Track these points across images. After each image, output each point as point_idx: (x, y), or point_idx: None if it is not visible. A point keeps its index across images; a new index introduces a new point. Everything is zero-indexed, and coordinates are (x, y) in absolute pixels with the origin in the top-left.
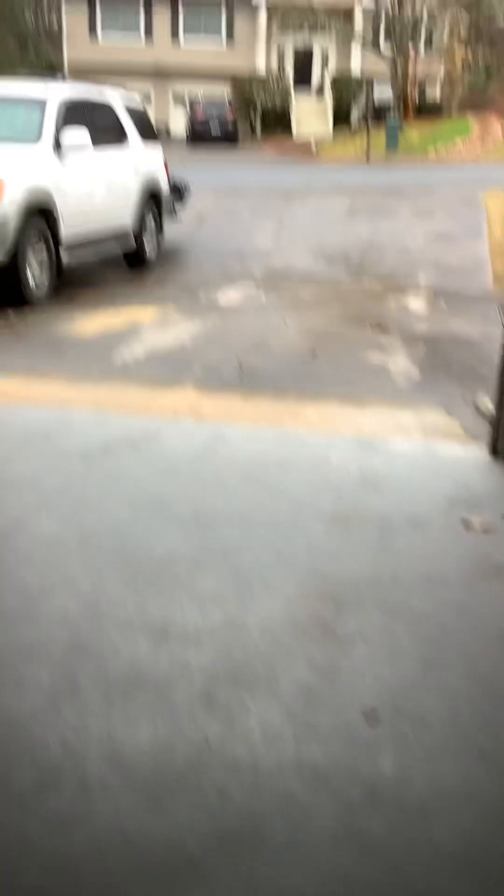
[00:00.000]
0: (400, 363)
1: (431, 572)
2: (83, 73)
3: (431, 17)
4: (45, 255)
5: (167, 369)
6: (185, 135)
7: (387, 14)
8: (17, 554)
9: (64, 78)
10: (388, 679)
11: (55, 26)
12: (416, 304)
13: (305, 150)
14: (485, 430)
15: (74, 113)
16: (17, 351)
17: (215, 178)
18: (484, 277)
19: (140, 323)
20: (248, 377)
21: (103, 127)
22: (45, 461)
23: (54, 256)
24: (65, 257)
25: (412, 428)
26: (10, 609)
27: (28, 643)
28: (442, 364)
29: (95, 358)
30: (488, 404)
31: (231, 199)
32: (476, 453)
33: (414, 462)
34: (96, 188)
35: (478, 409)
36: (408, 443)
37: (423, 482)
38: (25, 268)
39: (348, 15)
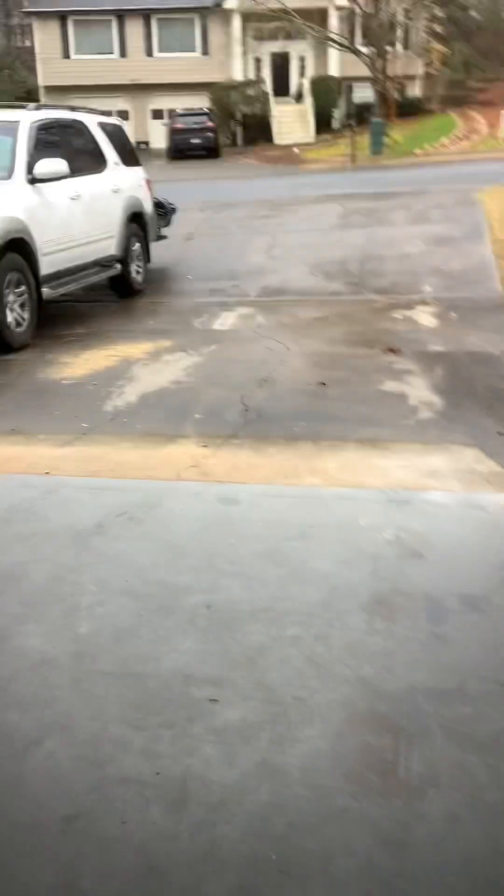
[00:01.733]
0: (419, 390)
1: (502, 673)
2: (59, 92)
3: (407, 13)
4: (24, 291)
5: (165, 416)
6: (166, 149)
7: (362, 14)
8: None
9: (40, 104)
10: (473, 843)
11: (28, 48)
12: (425, 318)
13: (290, 157)
14: None
15: (49, 140)
16: None
17: (200, 194)
18: (492, 283)
19: (132, 360)
20: (254, 420)
21: (80, 151)
22: (30, 547)
23: (34, 292)
24: (46, 291)
25: (447, 474)
26: None
27: (13, 821)
28: (465, 388)
29: (84, 407)
30: None
31: (218, 215)
32: None
33: (457, 519)
34: (75, 216)
35: None
36: (446, 493)
37: (472, 546)
38: (4, 309)
39: (323, 17)
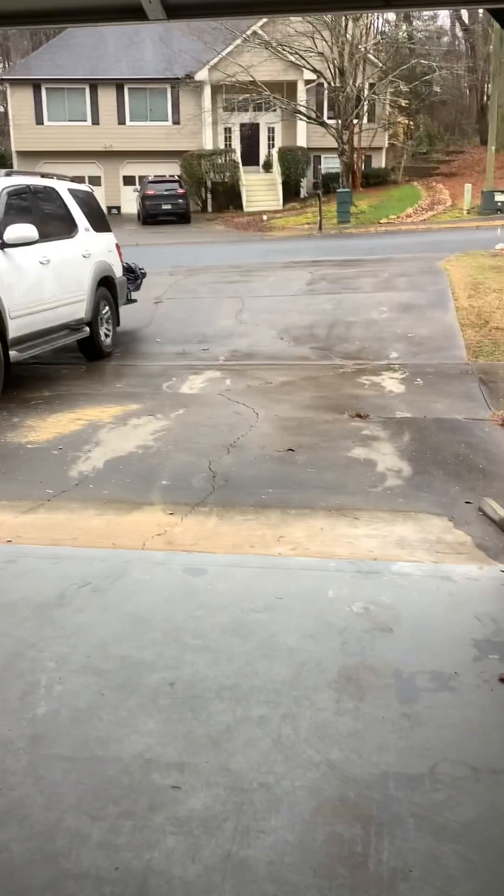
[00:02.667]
0: (387, 457)
1: (474, 756)
2: (32, 157)
3: (372, 87)
4: None
5: (131, 482)
6: (137, 214)
7: (329, 87)
8: None
9: (10, 170)
10: None
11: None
12: (392, 384)
13: (258, 224)
14: (499, 542)
15: (19, 205)
16: None
17: (170, 258)
18: (457, 350)
19: (99, 424)
20: (221, 486)
21: (51, 217)
22: None
23: (1, 355)
24: (13, 354)
25: (416, 544)
26: None
27: None
28: (432, 455)
29: (49, 473)
30: (497, 509)
31: (188, 279)
32: (494, 574)
33: (425, 591)
34: (45, 280)
35: (486, 516)
36: (414, 565)
37: (441, 619)
38: None
39: (291, 90)
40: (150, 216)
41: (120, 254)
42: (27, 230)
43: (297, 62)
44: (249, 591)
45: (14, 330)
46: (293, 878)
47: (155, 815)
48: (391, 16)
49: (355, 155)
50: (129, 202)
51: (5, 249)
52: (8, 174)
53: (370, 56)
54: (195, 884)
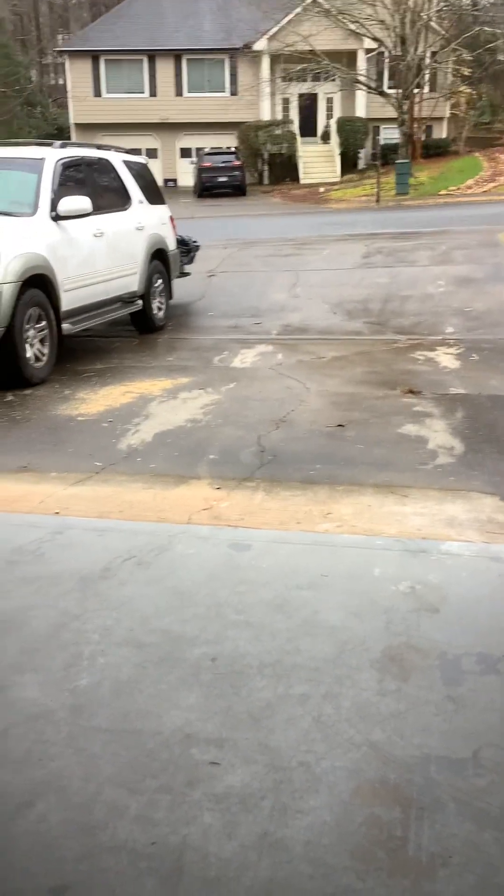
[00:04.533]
0: (439, 434)
1: None
2: (89, 130)
3: (434, 56)
4: (45, 327)
5: (179, 456)
6: (192, 187)
7: (389, 56)
8: None
9: (66, 141)
10: None
11: (60, 86)
12: (447, 359)
13: (315, 197)
14: None
15: (73, 176)
16: (12, 440)
17: (225, 231)
18: None
19: (149, 397)
20: (269, 461)
21: (105, 189)
22: (34, 591)
23: (55, 328)
24: (66, 327)
25: (466, 523)
26: None
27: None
28: (487, 433)
29: (99, 445)
30: None
31: (242, 252)
32: None
33: (475, 571)
34: (98, 253)
35: None
36: (464, 545)
37: (490, 601)
38: (24, 344)
39: (351, 59)
40: (206, 189)
41: (174, 226)
42: (81, 202)
43: (358, 31)
44: (294, 567)
45: (67, 303)
46: (330, 860)
47: (193, 791)
48: None
49: (415, 125)
50: (186, 175)
51: (59, 222)
52: (63, 145)
53: (432, 24)
54: (231, 861)
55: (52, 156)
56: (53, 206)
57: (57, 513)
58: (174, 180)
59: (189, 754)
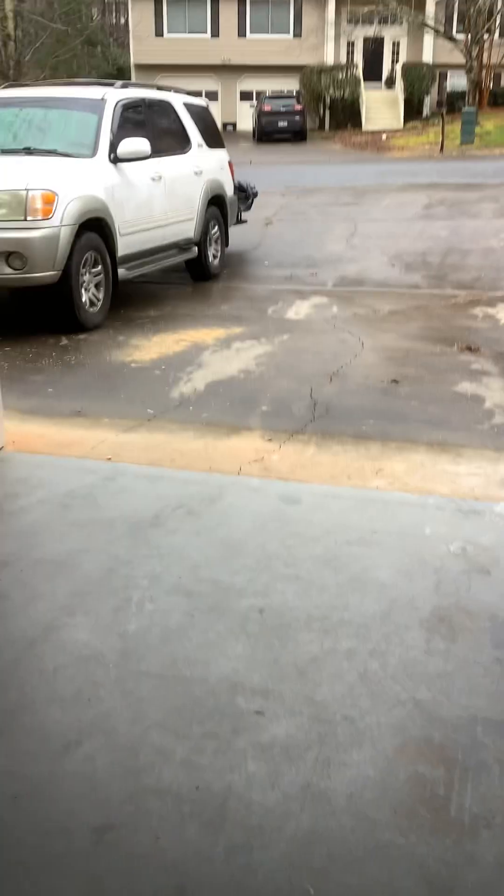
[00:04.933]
0: (496, 393)
1: None
2: (149, 70)
3: None
4: (100, 272)
5: (231, 406)
6: (252, 131)
7: (459, 0)
8: (42, 676)
9: (126, 82)
10: None
11: (121, 25)
12: None
13: (377, 144)
14: None
15: (133, 118)
16: (66, 385)
17: (283, 178)
18: None
19: (202, 346)
20: (322, 415)
21: (164, 131)
22: (86, 536)
23: (110, 273)
24: (122, 273)
25: None
26: (27, 767)
27: (43, 827)
28: None
29: (151, 393)
30: None
31: (300, 200)
32: None
33: None
34: (155, 198)
35: None
36: None
37: None
38: (79, 289)
39: (419, 2)
40: (266, 133)
41: (232, 172)
42: (141, 144)
43: None
44: (344, 523)
45: (123, 248)
46: (372, 814)
47: (238, 739)
48: None
49: (484, 72)
50: (245, 118)
51: (118, 164)
52: (124, 86)
53: None
54: (273, 811)
55: (113, 96)
56: (113, 149)
57: (109, 458)
58: (233, 124)
59: (235, 703)
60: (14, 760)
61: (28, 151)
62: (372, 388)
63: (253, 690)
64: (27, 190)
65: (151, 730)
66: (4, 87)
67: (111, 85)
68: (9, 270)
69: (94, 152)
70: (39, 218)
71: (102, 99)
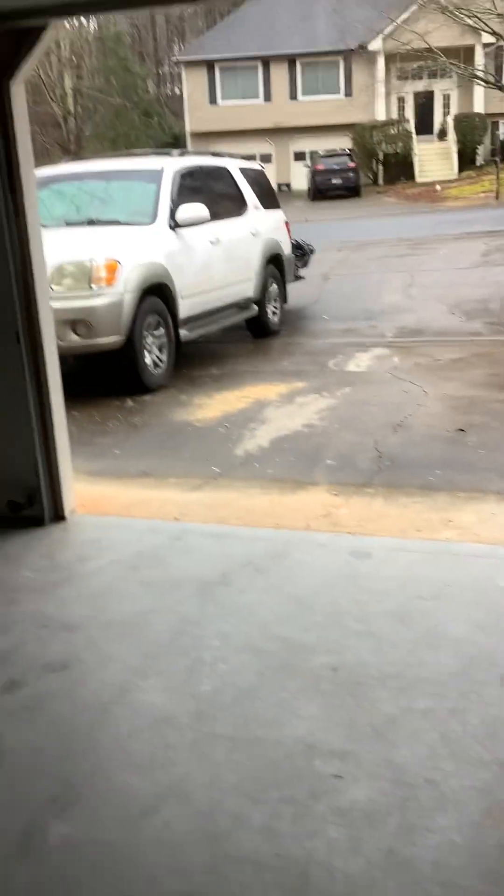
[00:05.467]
0: None
1: None
2: (204, 137)
3: None
4: (163, 334)
5: (295, 461)
6: (306, 190)
7: None
8: (118, 741)
9: (184, 150)
10: None
11: (175, 95)
12: None
13: (431, 195)
14: None
15: (191, 185)
16: (132, 446)
17: (339, 233)
18: None
19: (265, 402)
20: (387, 467)
21: (221, 196)
22: (154, 596)
23: (173, 335)
24: (183, 333)
25: None
26: (106, 833)
27: (126, 892)
28: None
29: (216, 450)
30: None
31: (356, 254)
32: None
33: None
34: (215, 260)
35: None
36: None
37: None
38: (143, 351)
39: (468, 54)
40: (320, 191)
41: (289, 231)
42: (199, 210)
43: (476, 25)
44: (415, 576)
45: (184, 310)
46: (460, 882)
47: (316, 804)
48: None
49: None
50: (299, 178)
51: (177, 230)
52: (181, 154)
53: None
54: (357, 878)
55: (171, 165)
56: (172, 215)
57: (176, 518)
58: (288, 184)
59: (312, 766)
60: (93, 826)
61: (91, 222)
62: (437, 437)
63: (330, 752)
64: (91, 260)
65: (228, 794)
66: (67, 162)
67: (168, 154)
68: (75, 338)
69: (153, 219)
70: (104, 286)
71: (160, 168)
